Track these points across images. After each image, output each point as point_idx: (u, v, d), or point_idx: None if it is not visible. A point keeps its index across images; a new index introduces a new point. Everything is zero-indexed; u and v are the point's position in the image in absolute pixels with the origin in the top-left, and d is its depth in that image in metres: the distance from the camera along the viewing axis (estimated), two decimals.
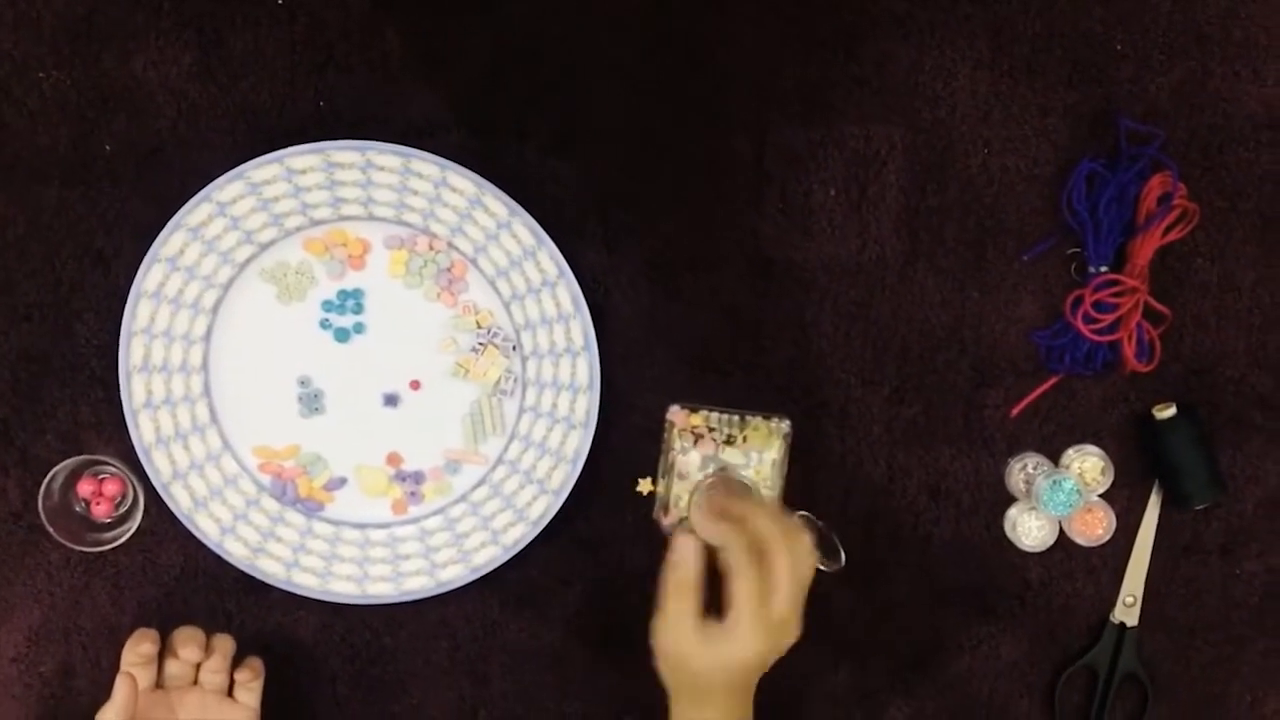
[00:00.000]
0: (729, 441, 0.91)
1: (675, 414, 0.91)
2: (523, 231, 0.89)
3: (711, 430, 0.91)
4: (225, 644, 0.87)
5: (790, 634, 0.75)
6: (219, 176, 0.87)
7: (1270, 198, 0.92)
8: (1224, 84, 0.92)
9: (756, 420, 0.91)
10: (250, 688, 0.87)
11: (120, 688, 0.83)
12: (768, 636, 0.74)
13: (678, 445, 0.91)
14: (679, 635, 0.74)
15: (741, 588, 0.72)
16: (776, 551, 0.73)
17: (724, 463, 0.91)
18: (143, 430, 0.89)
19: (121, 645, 0.91)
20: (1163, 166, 0.90)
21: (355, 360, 0.90)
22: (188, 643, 0.86)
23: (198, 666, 0.87)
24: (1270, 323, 0.93)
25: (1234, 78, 0.92)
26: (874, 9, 0.91)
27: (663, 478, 0.91)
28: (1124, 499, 0.93)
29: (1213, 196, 0.92)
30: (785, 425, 0.91)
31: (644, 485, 0.92)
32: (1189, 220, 0.90)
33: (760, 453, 0.91)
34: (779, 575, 0.73)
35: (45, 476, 0.88)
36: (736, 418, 0.91)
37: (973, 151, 0.92)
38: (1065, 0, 0.92)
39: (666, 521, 0.91)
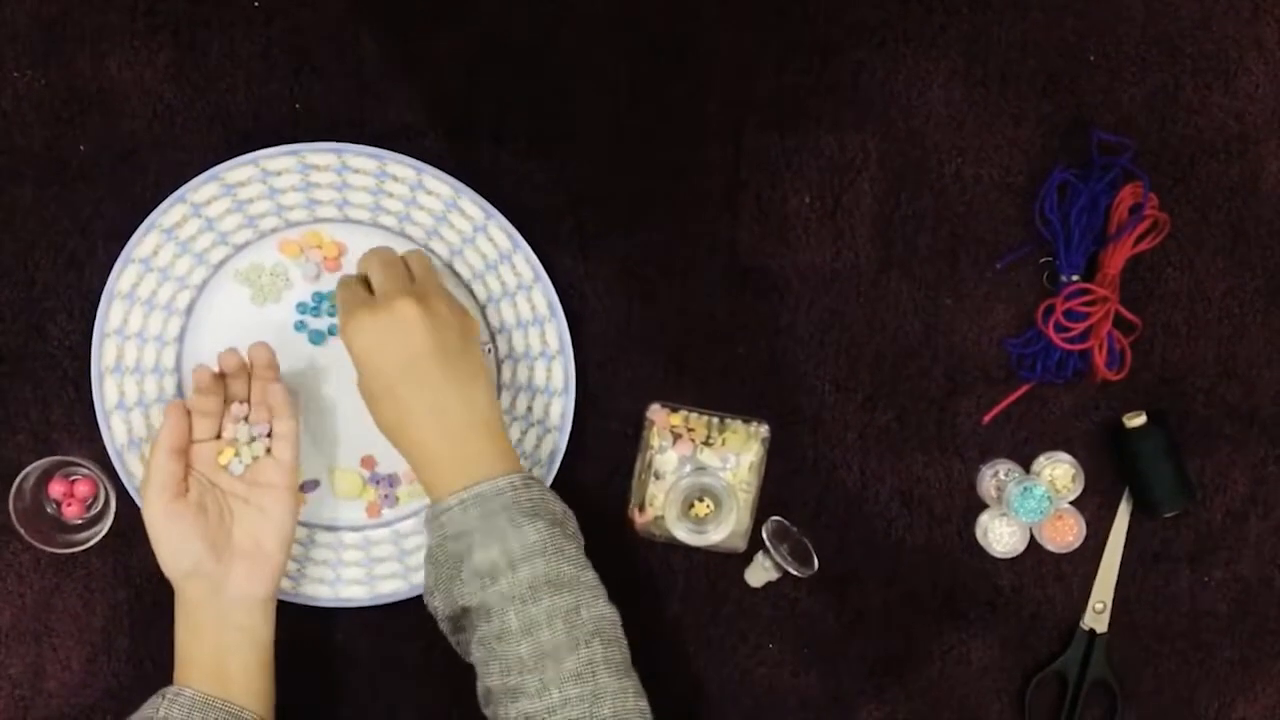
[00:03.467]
0: (707, 443, 0.91)
1: (655, 412, 0.91)
2: (499, 235, 0.89)
3: (690, 431, 0.91)
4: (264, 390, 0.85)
5: (397, 304, 0.79)
6: (194, 178, 0.87)
7: (1240, 209, 0.93)
8: (1195, 96, 0.93)
9: (735, 423, 0.91)
10: (286, 438, 0.84)
11: (168, 416, 0.82)
12: (371, 312, 0.79)
13: (656, 444, 0.91)
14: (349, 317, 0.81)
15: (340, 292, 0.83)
16: (365, 258, 0.84)
17: (701, 463, 0.91)
18: (115, 432, 0.88)
19: (91, 647, 0.91)
20: (1134, 177, 0.91)
21: (330, 363, 0.90)
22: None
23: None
24: (1239, 333, 0.94)
25: (1205, 90, 0.93)
26: (849, 18, 0.92)
27: (639, 476, 0.91)
28: (1094, 506, 0.94)
29: (1183, 207, 0.93)
30: (764, 429, 0.91)
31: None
32: (1160, 230, 0.91)
33: (738, 455, 0.91)
34: (368, 267, 0.83)
35: (16, 477, 0.88)
36: (716, 420, 0.91)
37: (946, 160, 0.92)
38: (1039, 11, 0.92)
39: (641, 520, 0.91)
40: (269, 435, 0.84)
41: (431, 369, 0.79)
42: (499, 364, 0.91)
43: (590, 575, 0.78)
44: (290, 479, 0.84)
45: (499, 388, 0.91)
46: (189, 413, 0.83)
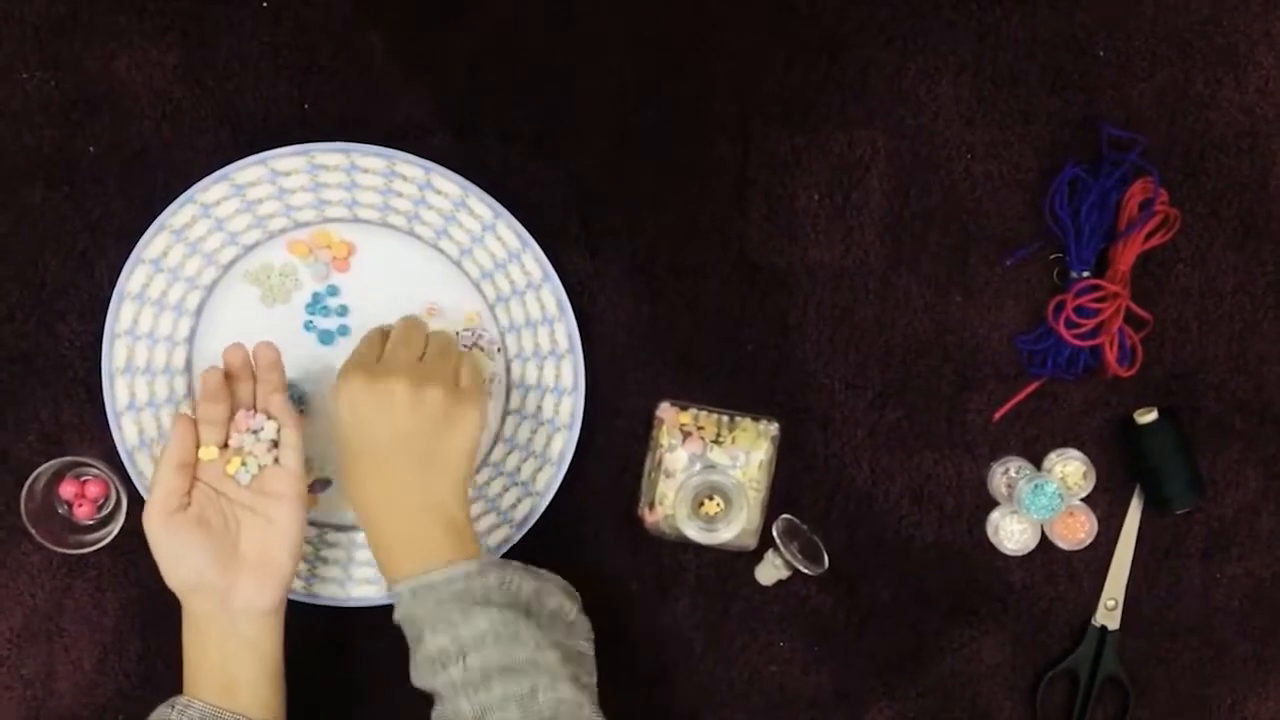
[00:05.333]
0: (717, 441, 0.91)
1: (665, 411, 0.91)
2: (508, 234, 0.89)
3: (700, 429, 0.91)
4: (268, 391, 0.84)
5: (391, 378, 0.80)
6: (203, 178, 0.87)
7: (1251, 204, 0.93)
8: (1206, 91, 0.92)
9: (745, 421, 0.91)
10: (291, 444, 0.84)
11: (175, 429, 0.82)
12: (367, 377, 0.80)
13: (666, 442, 0.91)
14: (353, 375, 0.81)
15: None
16: (400, 320, 0.86)
17: (711, 462, 0.91)
18: (126, 432, 0.88)
19: (103, 647, 0.91)
20: (1144, 172, 0.91)
21: (340, 363, 0.90)
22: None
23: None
24: (1251, 328, 0.93)
25: (1216, 84, 0.92)
26: (858, 14, 0.92)
27: (649, 474, 0.91)
28: (1105, 503, 0.93)
29: (1194, 203, 0.93)
30: (774, 427, 0.91)
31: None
32: (1170, 226, 0.91)
33: (748, 453, 0.91)
34: (395, 329, 0.85)
35: (27, 478, 0.88)
36: (725, 418, 0.91)
37: (956, 157, 0.92)
38: (1048, 7, 0.92)
39: (650, 518, 0.91)
40: (275, 443, 0.84)
41: (401, 452, 0.79)
42: (508, 363, 0.91)
43: (551, 657, 0.76)
44: (298, 487, 0.84)
45: (508, 386, 0.91)
46: (195, 425, 0.83)
